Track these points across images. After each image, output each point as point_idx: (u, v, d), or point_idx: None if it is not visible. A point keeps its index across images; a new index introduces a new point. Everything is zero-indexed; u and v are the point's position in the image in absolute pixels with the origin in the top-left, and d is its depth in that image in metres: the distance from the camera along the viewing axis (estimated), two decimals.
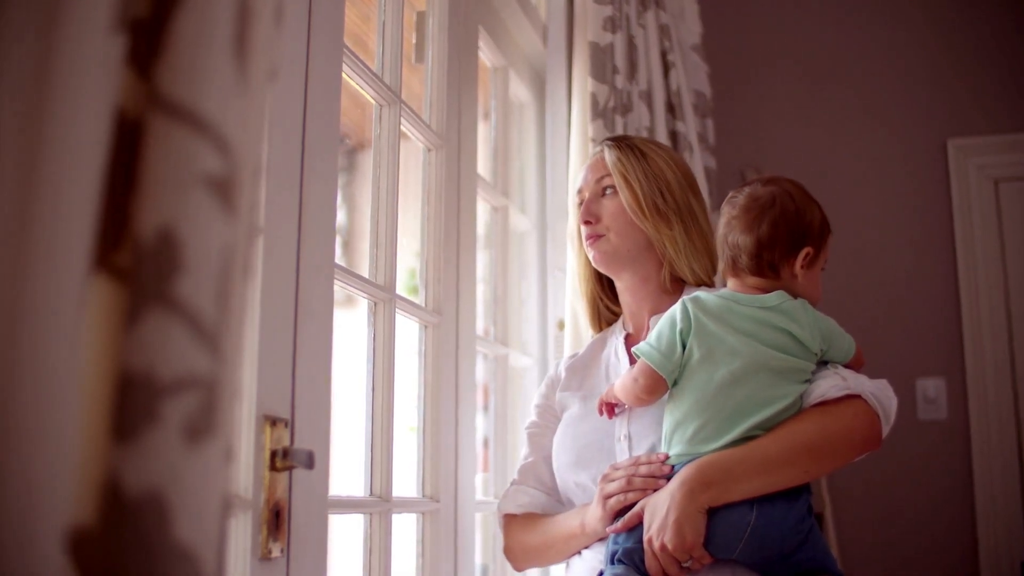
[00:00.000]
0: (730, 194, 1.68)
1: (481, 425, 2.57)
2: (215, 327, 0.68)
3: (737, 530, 1.47)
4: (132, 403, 0.66)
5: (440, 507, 1.91)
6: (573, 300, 2.39)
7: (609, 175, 1.80)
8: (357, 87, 1.77)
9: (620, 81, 2.50)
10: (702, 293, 1.63)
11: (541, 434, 1.83)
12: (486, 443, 2.55)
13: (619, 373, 1.76)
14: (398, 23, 1.88)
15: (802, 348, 1.56)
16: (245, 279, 0.76)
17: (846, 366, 1.63)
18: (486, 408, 2.55)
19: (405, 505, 1.84)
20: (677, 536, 1.46)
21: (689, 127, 2.83)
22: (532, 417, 1.87)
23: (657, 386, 1.58)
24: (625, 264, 1.79)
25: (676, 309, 1.60)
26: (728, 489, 1.47)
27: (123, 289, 0.69)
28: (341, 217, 4.45)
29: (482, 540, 2.46)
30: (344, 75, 1.67)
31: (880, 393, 1.58)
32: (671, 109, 2.78)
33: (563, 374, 1.87)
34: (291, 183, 1.43)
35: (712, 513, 1.48)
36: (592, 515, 1.60)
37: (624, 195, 1.77)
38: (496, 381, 2.46)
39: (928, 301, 3.50)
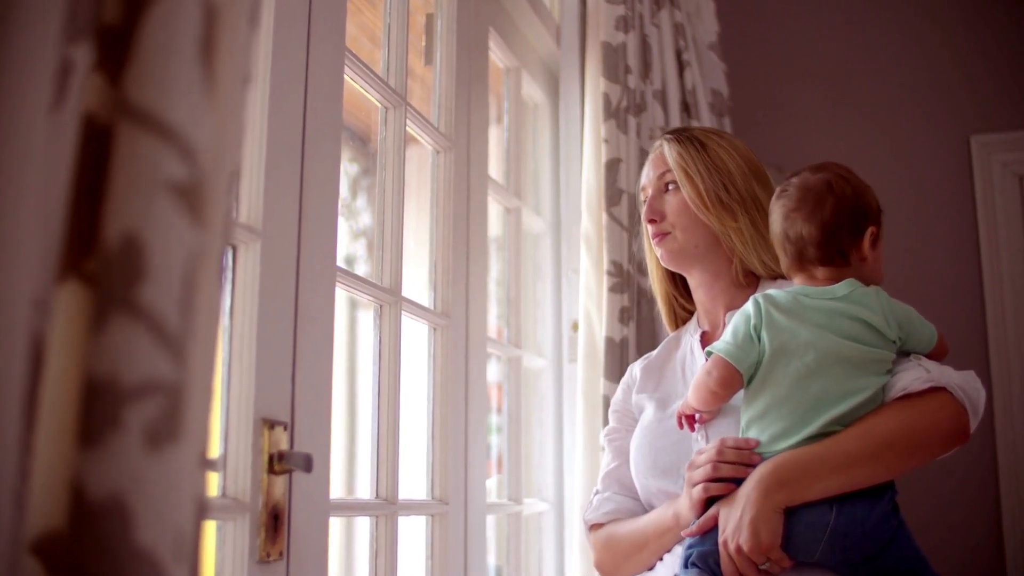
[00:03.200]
0: (779, 189, 1.63)
1: (495, 427, 2.57)
2: (179, 333, 0.68)
3: (816, 531, 1.41)
4: (96, 408, 0.66)
5: (449, 509, 1.91)
6: (587, 301, 2.38)
7: (670, 170, 1.76)
8: (362, 90, 1.77)
9: (633, 81, 2.49)
10: (772, 290, 1.58)
11: (621, 438, 1.78)
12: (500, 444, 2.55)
13: (695, 371, 1.72)
14: (403, 25, 1.89)
15: (879, 337, 1.50)
16: (217, 285, 0.76)
17: (928, 356, 1.57)
18: (499, 410, 2.55)
19: (412, 508, 1.84)
20: (753, 537, 1.40)
21: (705, 126, 2.81)
22: (611, 423, 1.83)
23: (732, 379, 1.51)
24: (694, 261, 1.75)
25: (748, 306, 1.55)
26: (805, 487, 1.42)
27: (90, 295, 0.69)
28: (366, 219, 4.47)
29: (496, 542, 2.46)
30: (348, 78, 1.67)
31: (967, 385, 1.52)
32: (686, 108, 2.76)
33: (638, 376, 1.83)
34: (291, 187, 1.43)
35: (790, 514, 1.42)
36: (683, 505, 1.55)
37: (686, 190, 1.72)
38: (510, 383, 2.46)
39: (952, 298, 3.47)
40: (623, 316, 2.31)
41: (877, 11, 3.75)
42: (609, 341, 2.29)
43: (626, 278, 2.33)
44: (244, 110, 0.82)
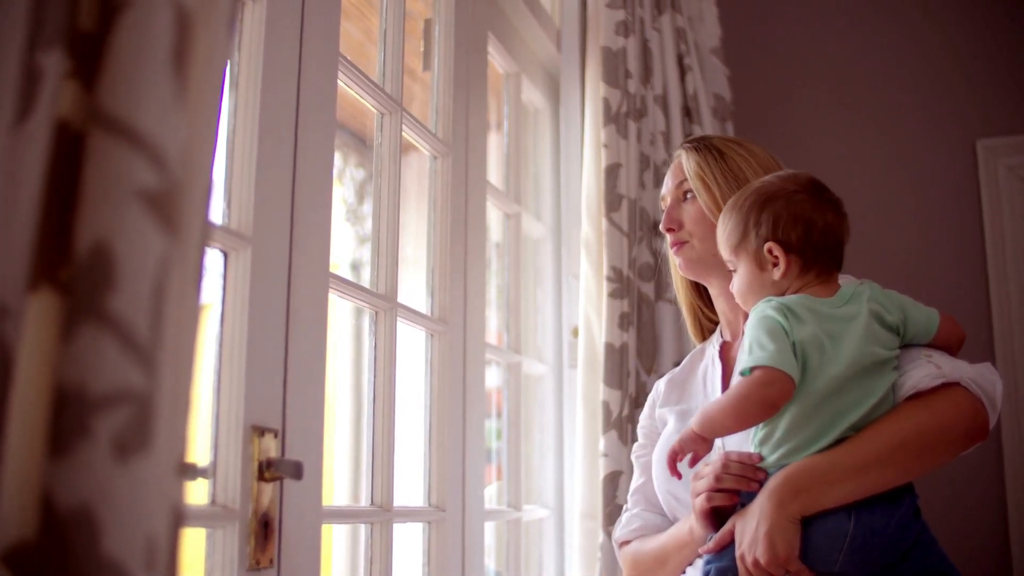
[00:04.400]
0: (815, 192, 1.54)
1: (495, 432, 2.56)
2: (149, 342, 0.68)
3: (834, 540, 1.37)
4: (65, 418, 0.66)
5: (446, 516, 1.90)
6: (587, 307, 2.38)
7: (688, 179, 1.75)
8: (357, 96, 1.77)
9: (633, 85, 2.49)
10: (782, 299, 1.49)
11: (648, 455, 1.78)
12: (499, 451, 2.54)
13: (714, 382, 1.70)
14: (400, 30, 1.88)
15: (889, 332, 1.47)
16: (194, 293, 0.76)
17: (942, 345, 1.53)
18: (499, 415, 2.54)
19: (407, 515, 1.83)
20: (769, 549, 1.37)
21: (707, 131, 2.80)
22: (638, 440, 1.82)
23: (791, 392, 1.42)
24: (712, 269, 1.72)
25: (774, 316, 1.45)
26: (819, 495, 1.39)
27: (62, 303, 0.69)
28: (371, 225, 4.47)
29: (496, 548, 2.45)
30: (343, 84, 1.67)
31: (981, 378, 1.48)
32: (688, 113, 2.76)
33: (662, 391, 1.82)
34: (282, 193, 1.43)
35: (807, 523, 1.39)
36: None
37: (702, 198, 1.72)
38: (510, 388, 2.45)
39: (958, 302, 3.44)
40: (623, 322, 2.30)
41: (881, 15, 3.73)
42: (609, 347, 2.28)
43: (626, 284, 2.32)
44: (218, 117, 0.81)
